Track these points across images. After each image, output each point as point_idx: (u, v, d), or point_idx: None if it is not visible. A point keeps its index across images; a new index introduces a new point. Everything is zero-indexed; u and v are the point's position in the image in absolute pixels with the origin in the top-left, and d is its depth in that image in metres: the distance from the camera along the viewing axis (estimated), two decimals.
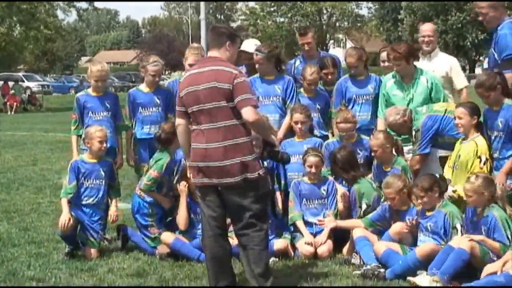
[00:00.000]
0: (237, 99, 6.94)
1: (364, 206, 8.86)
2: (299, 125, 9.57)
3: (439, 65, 10.19)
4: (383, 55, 10.39)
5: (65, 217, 8.92)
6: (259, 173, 7.07)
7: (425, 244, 7.84)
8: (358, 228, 8.58)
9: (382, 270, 7.88)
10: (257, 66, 9.92)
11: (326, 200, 9.17)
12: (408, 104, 9.40)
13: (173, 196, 9.32)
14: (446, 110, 8.92)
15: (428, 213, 8.04)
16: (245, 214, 7.07)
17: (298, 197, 9.18)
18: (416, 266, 7.69)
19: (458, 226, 7.83)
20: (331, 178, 9.32)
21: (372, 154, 9.20)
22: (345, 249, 8.85)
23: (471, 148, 8.30)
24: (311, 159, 9.05)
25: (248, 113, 6.91)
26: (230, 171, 6.98)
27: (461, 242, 7.48)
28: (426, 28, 10.50)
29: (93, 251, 9.01)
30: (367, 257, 8.14)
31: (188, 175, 8.11)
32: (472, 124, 8.37)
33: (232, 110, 6.99)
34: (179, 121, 7.39)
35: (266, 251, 7.28)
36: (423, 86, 9.48)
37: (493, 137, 8.25)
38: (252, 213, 7.07)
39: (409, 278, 7.60)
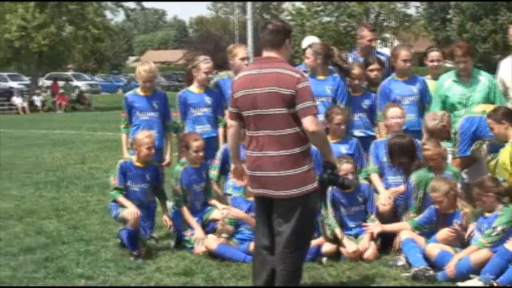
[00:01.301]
0: (298, 106, 6.44)
1: (420, 197, 8.71)
2: (342, 127, 9.46)
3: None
4: (433, 54, 10.26)
5: (133, 209, 8.97)
6: (314, 186, 6.66)
7: (480, 251, 7.64)
8: (405, 230, 8.52)
9: (432, 271, 7.80)
10: (306, 62, 9.88)
11: (364, 206, 9.09)
12: (466, 103, 9.30)
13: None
14: (483, 111, 8.80)
15: (487, 214, 7.92)
16: (288, 229, 6.61)
17: (335, 206, 9.08)
18: (469, 272, 7.59)
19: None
20: (366, 182, 9.23)
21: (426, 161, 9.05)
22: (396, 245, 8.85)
23: (507, 152, 8.21)
24: (345, 166, 8.86)
25: (309, 123, 6.42)
26: (286, 182, 6.54)
27: None
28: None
29: (143, 250, 9.05)
30: (415, 259, 8.06)
31: (233, 178, 7.75)
32: (504, 130, 8.24)
33: (293, 116, 6.49)
34: (231, 123, 6.94)
35: (299, 274, 6.85)
36: (483, 85, 9.38)
37: None
38: (296, 230, 6.61)
39: (458, 283, 7.53)
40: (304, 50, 10.27)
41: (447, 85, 9.57)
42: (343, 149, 9.46)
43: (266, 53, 6.75)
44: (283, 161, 6.53)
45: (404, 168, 9.12)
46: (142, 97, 9.95)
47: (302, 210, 6.61)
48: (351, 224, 9.08)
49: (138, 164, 9.30)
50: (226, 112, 8.10)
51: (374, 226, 8.89)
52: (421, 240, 8.35)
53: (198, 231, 9.19)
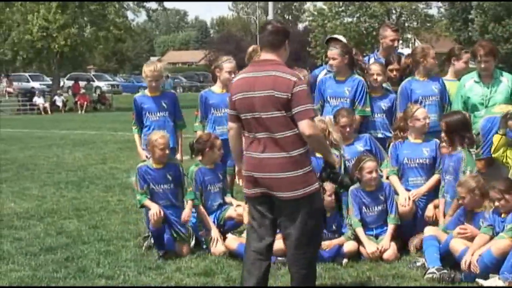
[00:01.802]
0: (295, 109, 6.40)
1: (467, 173, 8.52)
2: (347, 129, 9.40)
3: None
4: (467, 56, 10.06)
5: (155, 209, 8.98)
6: (316, 186, 6.63)
7: (500, 240, 7.58)
8: (430, 227, 8.50)
9: (458, 274, 7.76)
10: (330, 61, 9.83)
11: (385, 205, 9.04)
12: (487, 104, 9.25)
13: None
14: (504, 112, 8.74)
15: (503, 216, 7.85)
16: (297, 231, 6.59)
17: (357, 205, 9.04)
18: (493, 264, 7.52)
19: None
20: (387, 182, 9.20)
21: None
22: (411, 246, 8.86)
23: None
24: (369, 164, 8.89)
25: (305, 126, 6.38)
26: (289, 184, 6.49)
27: None
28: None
29: (185, 247, 9.11)
30: (431, 259, 8.06)
31: (239, 182, 7.52)
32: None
33: (291, 119, 6.45)
34: (231, 125, 6.84)
35: (313, 274, 6.85)
36: (504, 85, 9.31)
37: None
38: (304, 230, 6.59)
39: (478, 280, 7.50)
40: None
41: (468, 85, 9.50)
42: (359, 147, 9.46)
43: (264, 55, 6.73)
44: (285, 163, 6.49)
45: (459, 143, 8.82)
46: (150, 97, 9.92)
47: (307, 211, 6.57)
48: (373, 225, 9.05)
49: (155, 166, 9.29)
50: None
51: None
52: (445, 237, 8.28)
53: (214, 231, 9.19)
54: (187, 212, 9.22)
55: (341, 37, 11.07)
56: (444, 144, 8.97)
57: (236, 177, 7.40)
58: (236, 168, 7.24)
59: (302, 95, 6.46)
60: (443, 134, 8.82)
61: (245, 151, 6.76)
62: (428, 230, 8.41)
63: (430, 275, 7.85)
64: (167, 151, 9.21)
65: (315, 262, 6.93)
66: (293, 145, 6.50)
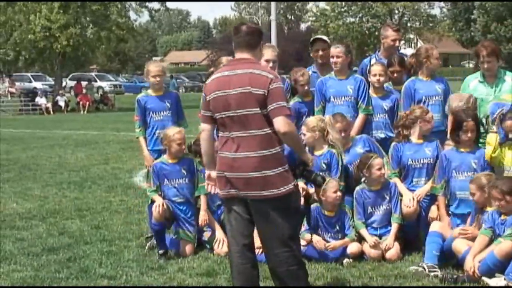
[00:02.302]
0: (270, 106, 6.38)
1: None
2: (343, 134, 9.31)
3: None
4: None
5: (158, 202, 9.05)
6: (291, 187, 6.53)
7: (504, 242, 7.55)
8: (436, 223, 8.53)
9: (461, 274, 7.75)
10: (334, 59, 9.77)
11: (390, 204, 9.01)
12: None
13: None
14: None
15: (503, 218, 7.83)
16: (278, 231, 6.51)
17: (362, 206, 9.02)
18: (497, 266, 7.51)
19: None
20: (392, 181, 9.15)
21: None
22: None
23: None
24: (377, 161, 8.90)
25: (280, 123, 6.35)
26: (263, 183, 6.43)
27: None
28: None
29: (188, 247, 9.13)
30: (429, 254, 8.14)
31: (207, 187, 7.08)
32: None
33: (266, 117, 6.43)
34: (204, 126, 6.79)
35: (304, 266, 6.80)
36: (508, 85, 9.28)
37: None
38: (285, 230, 6.52)
39: (484, 278, 7.49)
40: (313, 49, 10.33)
41: (472, 85, 9.49)
42: (359, 149, 9.40)
43: (239, 55, 6.70)
44: (258, 162, 6.44)
45: (476, 140, 8.78)
46: (154, 97, 9.89)
47: (283, 211, 6.51)
48: (377, 224, 9.03)
49: (170, 160, 9.33)
50: None
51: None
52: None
53: (219, 232, 9.19)
54: (203, 215, 9.30)
55: (326, 38, 11.09)
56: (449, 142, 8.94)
57: (206, 181, 7.04)
58: (206, 173, 7.00)
59: (278, 92, 6.45)
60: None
61: (218, 151, 6.72)
62: (434, 226, 8.42)
63: (432, 273, 7.86)
64: (183, 146, 9.29)
65: (301, 256, 6.89)
66: (268, 144, 6.46)
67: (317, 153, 9.17)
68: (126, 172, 16.54)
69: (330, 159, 9.12)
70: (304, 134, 9.11)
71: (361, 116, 9.69)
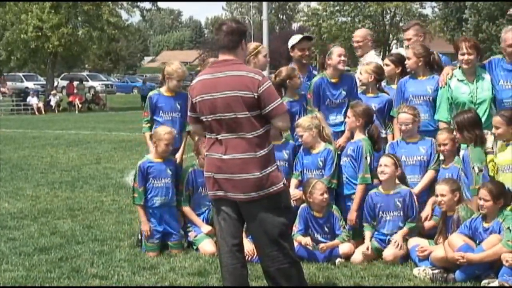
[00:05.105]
0: (267, 108, 6.37)
1: (476, 170, 8.29)
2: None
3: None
4: None
5: (146, 227, 9.24)
6: (281, 186, 6.53)
7: (495, 247, 7.47)
8: (415, 238, 8.58)
9: (452, 274, 7.76)
10: (336, 63, 9.66)
11: (401, 212, 8.85)
12: (476, 101, 9.21)
13: None
14: None
15: (485, 224, 7.76)
16: (268, 230, 6.50)
17: (373, 210, 8.93)
18: (486, 267, 7.55)
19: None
20: (407, 188, 8.97)
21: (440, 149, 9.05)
22: None
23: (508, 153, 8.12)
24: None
25: (283, 121, 6.50)
26: (252, 184, 6.42)
27: None
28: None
29: (177, 252, 9.23)
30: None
31: None
32: (510, 133, 8.16)
33: (255, 119, 6.41)
34: (194, 126, 6.98)
35: (297, 265, 6.73)
36: (487, 83, 9.23)
37: None
38: (275, 229, 6.50)
39: (484, 281, 7.51)
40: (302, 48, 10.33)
41: (453, 85, 9.41)
42: (350, 150, 9.33)
43: (222, 56, 6.65)
44: (247, 164, 6.42)
45: (468, 139, 8.66)
46: (166, 97, 9.92)
47: (275, 209, 6.51)
48: (385, 230, 8.94)
49: (156, 159, 9.40)
50: None
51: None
52: (424, 243, 8.40)
53: (204, 227, 9.33)
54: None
55: (312, 35, 11.14)
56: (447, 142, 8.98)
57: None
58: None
59: (270, 92, 6.43)
60: (455, 132, 8.78)
61: (206, 152, 6.72)
62: (412, 241, 8.55)
63: (424, 273, 7.90)
64: (170, 148, 9.38)
65: (294, 252, 6.78)
66: (256, 146, 6.45)
67: (314, 151, 9.21)
68: (117, 171, 16.52)
69: (326, 156, 9.14)
70: (301, 135, 9.15)
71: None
